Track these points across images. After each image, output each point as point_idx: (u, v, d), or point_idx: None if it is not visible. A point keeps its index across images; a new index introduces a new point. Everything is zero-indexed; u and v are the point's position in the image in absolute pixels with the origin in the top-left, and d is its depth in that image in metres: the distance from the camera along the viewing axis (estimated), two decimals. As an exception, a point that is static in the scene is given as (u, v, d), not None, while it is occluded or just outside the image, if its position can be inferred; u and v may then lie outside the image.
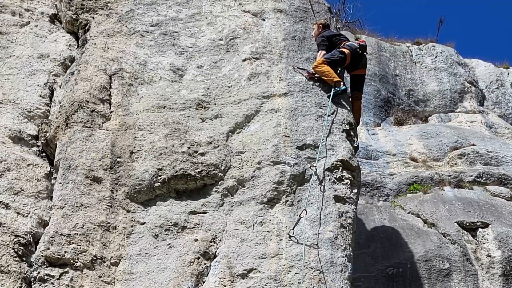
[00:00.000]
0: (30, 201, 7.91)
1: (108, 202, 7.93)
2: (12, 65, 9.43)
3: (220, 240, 7.78)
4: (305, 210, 7.75)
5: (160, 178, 8.11)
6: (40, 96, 9.22)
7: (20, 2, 10.46)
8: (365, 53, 9.47)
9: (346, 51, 9.20)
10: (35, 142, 8.76)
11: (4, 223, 7.49)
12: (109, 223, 7.77)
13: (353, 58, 9.30)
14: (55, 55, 9.81)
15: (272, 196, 8.01)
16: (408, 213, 12.10)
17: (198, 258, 7.57)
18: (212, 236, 7.79)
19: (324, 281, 7.28)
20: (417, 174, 13.26)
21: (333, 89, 8.84)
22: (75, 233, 7.55)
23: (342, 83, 8.94)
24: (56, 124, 8.68)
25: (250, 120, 8.74)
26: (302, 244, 7.47)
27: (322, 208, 7.85)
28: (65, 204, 7.80)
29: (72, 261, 7.39)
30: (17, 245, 7.40)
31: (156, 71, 9.20)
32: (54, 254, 7.38)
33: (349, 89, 9.42)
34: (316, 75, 9.07)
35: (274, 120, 8.62)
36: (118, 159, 8.24)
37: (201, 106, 8.86)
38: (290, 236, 7.61)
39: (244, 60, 9.33)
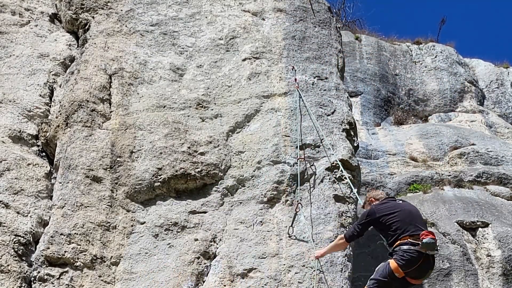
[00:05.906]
0: (30, 200, 7.90)
1: (108, 202, 7.92)
2: (12, 65, 9.42)
3: (220, 240, 7.77)
4: (300, 203, 7.75)
5: (160, 178, 8.10)
6: (40, 95, 9.21)
7: (20, 1, 10.46)
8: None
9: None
10: (35, 141, 8.75)
11: (4, 223, 7.48)
12: (109, 222, 7.76)
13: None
14: (55, 54, 9.81)
15: (272, 195, 8.00)
16: (408, 212, 12.07)
17: (198, 258, 7.57)
18: (212, 236, 7.78)
19: (324, 281, 7.28)
20: (417, 173, 13.25)
21: None
22: (75, 233, 7.54)
23: None
24: (56, 124, 8.67)
25: (250, 119, 8.74)
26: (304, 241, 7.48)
27: (321, 208, 7.85)
28: (65, 203, 7.80)
29: (72, 260, 7.38)
30: (17, 244, 7.39)
31: (156, 71, 9.19)
32: (54, 253, 7.37)
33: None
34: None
35: (274, 120, 8.62)
36: (118, 159, 8.23)
37: (201, 105, 8.85)
38: (289, 236, 7.60)
39: (244, 60, 9.32)
